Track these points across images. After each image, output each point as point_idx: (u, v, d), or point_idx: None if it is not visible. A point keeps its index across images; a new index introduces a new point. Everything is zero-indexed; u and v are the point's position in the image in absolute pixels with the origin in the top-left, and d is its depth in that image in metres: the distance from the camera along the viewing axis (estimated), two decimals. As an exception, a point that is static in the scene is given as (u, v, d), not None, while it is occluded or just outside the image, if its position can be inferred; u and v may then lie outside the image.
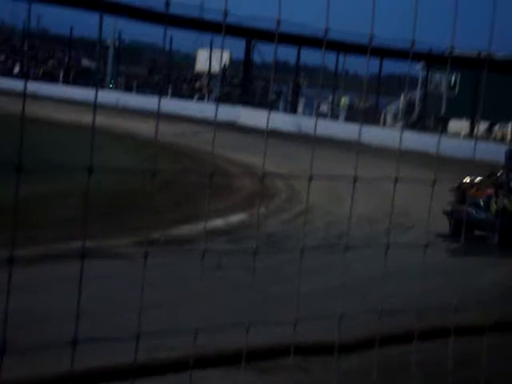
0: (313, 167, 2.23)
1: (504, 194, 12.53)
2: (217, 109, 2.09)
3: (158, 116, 1.68)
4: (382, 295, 6.53)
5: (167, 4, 1.63)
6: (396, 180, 2.28)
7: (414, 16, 2.14)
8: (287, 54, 40.96)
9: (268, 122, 2.11)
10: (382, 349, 2.41)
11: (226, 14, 1.82)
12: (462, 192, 12.78)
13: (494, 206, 12.55)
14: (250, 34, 33.02)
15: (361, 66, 38.02)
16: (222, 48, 42.77)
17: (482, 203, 12.70)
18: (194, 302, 7.40)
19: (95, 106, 1.62)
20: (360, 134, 2.38)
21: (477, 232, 12.46)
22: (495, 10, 2.21)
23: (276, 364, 6.55)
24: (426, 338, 2.30)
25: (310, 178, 2.07)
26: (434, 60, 29.30)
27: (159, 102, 1.68)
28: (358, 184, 2.33)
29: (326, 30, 2.01)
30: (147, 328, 1.89)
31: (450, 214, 12.77)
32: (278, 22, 1.93)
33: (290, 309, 2.25)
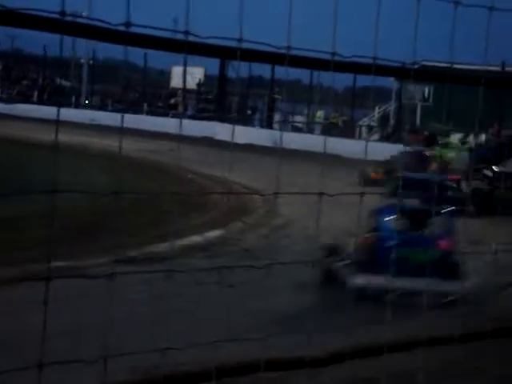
0: (292, 181, 2.25)
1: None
2: (179, 124, 2.09)
3: (122, 133, 1.68)
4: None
5: (127, 25, 1.64)
6: (362, 194, 2.30)
7: (375, 33, 2.16)
8: (262, 68, 41.11)
9: (233, 136, 2.12)
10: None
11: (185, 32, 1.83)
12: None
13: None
14: (223, 54, 33.02)
15: (336, 79, 38.16)
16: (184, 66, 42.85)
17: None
18: (171, 319, 7.37)
19: (57, 124, 1.62)
20: (325, 145, 2.40)
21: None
22: (455, 21, 2.24)
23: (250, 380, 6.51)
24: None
25: (276, 193, 2.08)
26: (402, 75, 29.42)
27: (121, 118, 1.68)
28: (338, 197, 2.35)
29: (288, 48, 2.03)
30: (112, 347, 1.88)
31: None
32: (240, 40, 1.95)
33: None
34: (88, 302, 7.93)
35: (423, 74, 2.54)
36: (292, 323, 6.36)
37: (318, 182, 2.45)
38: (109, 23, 1.76)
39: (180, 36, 1.93)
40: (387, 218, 10.01)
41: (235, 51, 2.01)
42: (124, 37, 1.74)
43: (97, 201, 13.61)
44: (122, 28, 1.74)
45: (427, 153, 20.42)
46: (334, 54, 2.14)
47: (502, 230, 10.37)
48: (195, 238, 12.81)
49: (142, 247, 11.36)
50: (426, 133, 24.21)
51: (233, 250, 12.56)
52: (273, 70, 37.96)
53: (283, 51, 2.06)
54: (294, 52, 2.13)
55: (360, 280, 9.15)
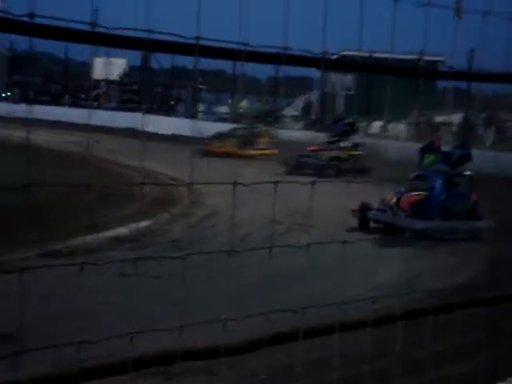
0: (220, 169, 2.26)
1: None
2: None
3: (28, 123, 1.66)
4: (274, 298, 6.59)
5: (30, 16, 1.63)
6: (276, 182, 2.33)
7: (284, 22, 2.19)
8: (185, 59, 40.90)
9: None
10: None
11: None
12: None
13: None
14: (145, 46, 32.60)
15: (259, 69, 38.33)
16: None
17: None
18: (96, 312, 7.32)
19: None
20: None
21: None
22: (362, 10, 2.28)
23: (183, 369, 6.53)
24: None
25: (191, 184, 2.09)
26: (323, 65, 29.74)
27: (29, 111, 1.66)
28: (260, 187, 2.37)
29: (197, 38, 2.04)
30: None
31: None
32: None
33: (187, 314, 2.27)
34: (9, 297, 7.80)
35: (333, 64, 2.59)
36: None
37: (239, 170, 2.47)
38: (11, 14, 1.73)
39: (98, 28, 1.92)
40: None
41: (145, 42, 2.00)
42: (28, 28, 1.72)
43: (18, 194, 13.36)
44: (27, 19, 1.72)
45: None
46: (245, 44, 2.16)
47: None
48: (121, 230, 12.71)
49: (67, 240, 11.21)
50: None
51: (159, 240, 12.54)
52: (196, 61, 37.80)
53: (192, 41, 2.06)
54: (204, 42, 2.14)
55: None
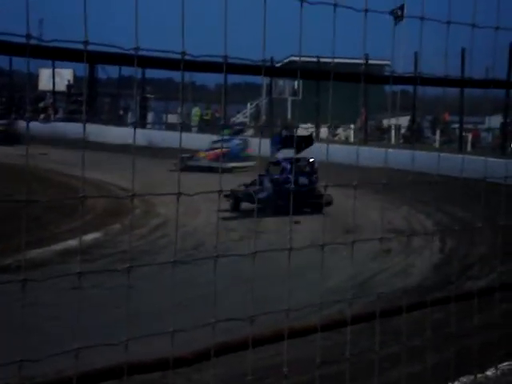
0: (170, 179, 2.25)
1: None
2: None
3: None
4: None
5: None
6: (220, 191, 2.32)
7: (225, 30, 2.18)
8: (132, 68, 40.56)
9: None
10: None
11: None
12: None
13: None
14: (91, 58, 32.31)
15: (207, 76, 38.29)
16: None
17: None
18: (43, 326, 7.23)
19: None
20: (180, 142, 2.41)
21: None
22: (301, 16, 2.29)
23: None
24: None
25: (133, 196, 2.07)
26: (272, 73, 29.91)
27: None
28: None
29: (136, 49, 2.03)
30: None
31: None
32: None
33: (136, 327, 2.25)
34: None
35: (273, 71, 2.59)
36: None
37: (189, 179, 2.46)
38: None
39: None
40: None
41: (82, 54, 1.98)
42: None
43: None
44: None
45: None
46: (183, 53, 2.15)
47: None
48: (71, 243, 12.56)
49: (17, 254, 11.03)
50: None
51: (110, 252, 12.42)
52: (143, 70, 37.61)
53: (131, 52, 2.05)
54: (143, 53, 2.13)
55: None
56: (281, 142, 18.52)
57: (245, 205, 17.47)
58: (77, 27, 2.13)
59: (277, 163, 18.66)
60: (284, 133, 19.40)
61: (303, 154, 18.18)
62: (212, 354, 2.16)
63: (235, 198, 17.56)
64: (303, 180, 17.97)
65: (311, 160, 18.46)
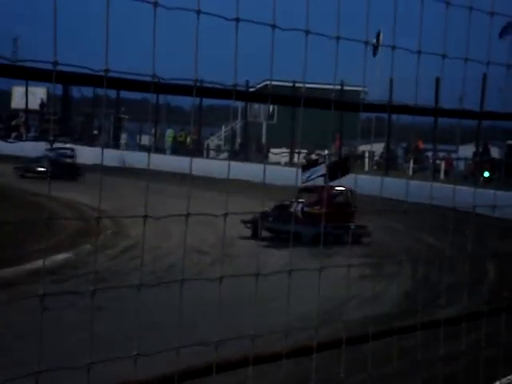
0: (148, 201, 2.24)
1: None
2: None
3: None
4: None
5: None
6: (187, 215, 2.31)
7: (196, 54, 2.19)
8: (103, 89, 40.50)
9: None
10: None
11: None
12: None
13: None
14: (61, 79, 32.16)
15: (182, 99, 38.33)
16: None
17: None
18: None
19: None
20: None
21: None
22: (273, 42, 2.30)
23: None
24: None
25: (99, 218, 2.06)
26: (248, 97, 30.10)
27: None
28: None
29: (106, 70, 2.02)
30: None
31: None
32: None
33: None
34: None
35: (244, 95, 2.60)
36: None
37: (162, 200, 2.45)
38: None
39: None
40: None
41: (51, 75, 1.97)
42: None
43: None
44: None
45: None
46: (154, 76, 2.15)
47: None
48: (41, 263, 12.43)
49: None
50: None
51: (80, 273, 12.32)
52: (118, 91, 37.60)
53: (101, 73, 2.04)
54: (113, 74, 2.13)
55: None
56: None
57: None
58: (50, 47, 2.12)
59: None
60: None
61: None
62: (176, 378, 2.14)
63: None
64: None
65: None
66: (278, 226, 16.20)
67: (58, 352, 5.62)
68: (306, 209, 16.99)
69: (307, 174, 17.10)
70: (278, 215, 16.60)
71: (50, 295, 2.09)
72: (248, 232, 16.45)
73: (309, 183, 16.84)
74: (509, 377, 4.91)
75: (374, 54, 11.96)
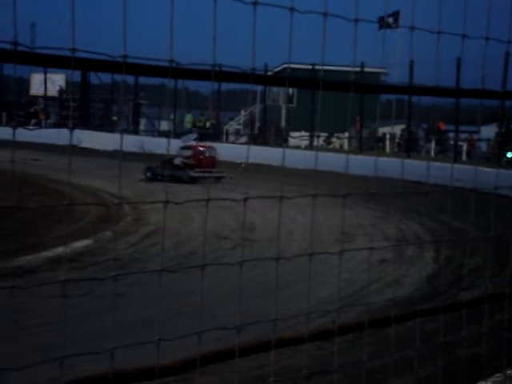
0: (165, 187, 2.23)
1: None
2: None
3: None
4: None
5: None
6: (208, 200, 2.31)
7: (214, 37, 2.17)
8: (122, 74, 40.54)
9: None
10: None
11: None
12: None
13: None
14: (79, 66, 32.19)
15: (201, 83, 38.19)
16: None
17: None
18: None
19: None
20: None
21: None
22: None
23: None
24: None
25: (120, 203, 2.06)
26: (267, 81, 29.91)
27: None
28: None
29: (124, 56, 2.01)
30: None
31: None
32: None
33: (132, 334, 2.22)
34: None
35: (262, 79, 2.58)
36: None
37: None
38: None
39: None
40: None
41: (69, 61, 1.97)
42: None
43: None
44: None
45: None
46: (171, 61, 2.14)
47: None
48: (62, 249, 12.49)
49: (5, 260, 10.97)
50: None
51: (100, 260, 12.36)
52: (136, 76, 37.59)
53: (119, 59, 2.03)
54: (132, 60, 2.12)
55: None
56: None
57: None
58: (68, 33, 2.12)
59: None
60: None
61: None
62: (198, 363, 2.14)
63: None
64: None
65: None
66: (167, 172, 24.02)
67: (80, 337, 5.66)
68: (184, 161, 25.00)
69: (185, 138, 26.80)
70: (167, 165, 24.54)
71: (72, 281, 2.10)
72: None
73: (188, 143, 25.98)
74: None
75: (380, 28, 11.83)
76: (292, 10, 2.30)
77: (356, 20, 2.41)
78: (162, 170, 24.31)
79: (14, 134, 1.97)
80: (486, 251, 12.48)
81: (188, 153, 25.53)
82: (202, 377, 2.36)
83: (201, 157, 25.47)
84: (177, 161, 25.06)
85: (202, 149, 25.97)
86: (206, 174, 24.59)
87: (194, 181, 23.85)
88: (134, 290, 8.49)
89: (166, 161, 24.91)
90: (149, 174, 24.10)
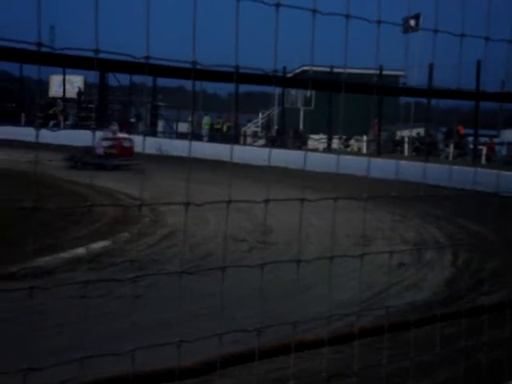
0: (187, 189, 2.22)
1: None
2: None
3: None
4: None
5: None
6: (229, 202, 2.30)
7: (236, 39, 2.17)
8: (144, 76, 40.71)
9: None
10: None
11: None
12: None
13: None
14: (102, 67, 32.28)
15: (219, 85, 38.43)
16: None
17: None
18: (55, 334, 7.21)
19: None
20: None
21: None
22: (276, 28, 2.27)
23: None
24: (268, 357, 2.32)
25: (141, 205, 2.06)
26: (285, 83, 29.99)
27: None
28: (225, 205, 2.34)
29: (147, 57, 2.01)
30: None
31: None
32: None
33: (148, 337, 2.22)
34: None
35: (284, 81, 2.57)
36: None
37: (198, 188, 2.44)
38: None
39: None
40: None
41: (93, 62, 1.97)
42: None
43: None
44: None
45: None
46: (194, 62, 2.14)
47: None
48: (79, 251, 12.53)
49: (23, 262, 11.02)
50: None
51: (118, 261, 12.38)
52: (154, 78, 37.71)
53: (142, 60, 2.03)
54: (154, 61, 2.12)
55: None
56: None
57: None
58: (87, 34, 2.12)
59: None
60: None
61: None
62: (218, 365, 2.14)
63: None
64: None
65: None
66: (90, 160, 26.08)
67: (98, 339, 5.67)
68: (105, 150, 27.35)
69: (106, 129, 28.42)
70: (89, 155, 26.60)
71: (93, 282, 2.10)
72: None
73: (109, 135, 27.87)
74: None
75: (405, 31, 11.78)
76: (314, 11, 2.29)
77: (379, 22, 2.40)
78: (84, 158, 26.88)
79: (37, 136, 1.97)
80: (506, 256, 12.45)
81: (108, 143, 27.88)
82: (221, 379, 2.35)
83: (120, 147, 27.98)
84: (98, 150, 27.44)
85: (120, 140, 28.59)
86: (124, 162, 26.90)
87: (115, 168, 26.38)
88: (151, 291, 8.50)
89: (86, 150, 27.23)
90: (71, 163, 27.13)
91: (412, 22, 33.15)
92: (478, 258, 13.14)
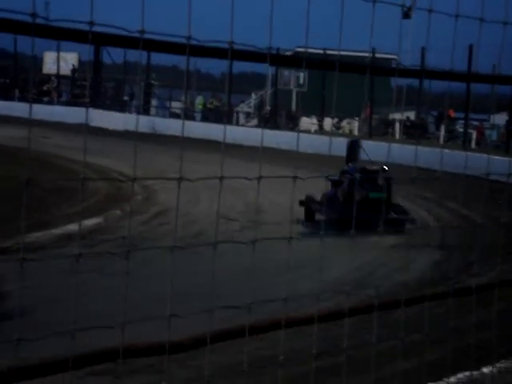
0: (180, 167, 2.23)
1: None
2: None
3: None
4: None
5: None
6: (221, 178, 2.31)
7: (232, 16, 2.17)
8: (137, 54, 40.48)
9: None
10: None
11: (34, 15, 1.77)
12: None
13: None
14: (96, 40, 32.00)
15: (213, 65, 38.32)
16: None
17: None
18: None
19: None
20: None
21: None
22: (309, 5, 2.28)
23: (130, 367, 6.44)
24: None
25: (135, 179, 2.06)
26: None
27: None
28: (217, 183, 2.35)
29: (142, 31, 2.01)
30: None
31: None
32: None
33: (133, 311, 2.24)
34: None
35: (278, 59, 2.58)
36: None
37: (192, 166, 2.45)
38: None
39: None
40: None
41: (87, 35, 1.97)
42: None
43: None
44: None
45: None
46: (189, 37, 2.13)
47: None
48: (72, 227, 12.54)
49: (16, 237, 11.02)
50: None
51: (110, 237, 12.40)
52: (148, 56, 37.57)
53: (136, 35, 2.03)
54: (149, 36, 2.12)
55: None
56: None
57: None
58: (82, 9, 2.12)
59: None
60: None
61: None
62: (208, 340, 2.16)
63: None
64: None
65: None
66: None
67: (93, 311, 5.70)
68: None
69: None
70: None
71: (85, 256, 2.11)
72: None
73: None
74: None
75: (406, 17, 11.68)
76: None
77: (374, 1, 2.40)
78: None
79: (30, 110, 1.97)
80: (494, 238, 12.50)
81: None
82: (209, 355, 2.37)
83: None
84: None
85: None
86: None
87: None
88: (142, 268, 8.54)
89: None
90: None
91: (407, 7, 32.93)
92: (465, 239, 13.20)
